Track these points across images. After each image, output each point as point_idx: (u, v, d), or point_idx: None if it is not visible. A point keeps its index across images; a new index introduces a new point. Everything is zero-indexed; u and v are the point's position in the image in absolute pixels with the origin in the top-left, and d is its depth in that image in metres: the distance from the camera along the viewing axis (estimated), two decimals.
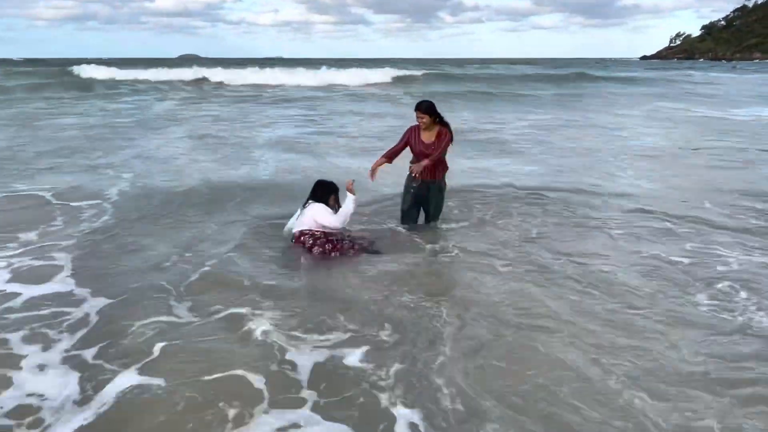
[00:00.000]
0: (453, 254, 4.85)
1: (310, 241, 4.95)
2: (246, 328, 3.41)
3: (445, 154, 5.25)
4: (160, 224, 5.56)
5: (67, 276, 4.17)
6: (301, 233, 5.04)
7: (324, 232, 5.01)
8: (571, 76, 37.71)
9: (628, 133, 12.41)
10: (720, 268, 4.45)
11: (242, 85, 30.27)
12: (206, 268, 4.38)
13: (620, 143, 11.00)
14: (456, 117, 15.30)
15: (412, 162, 5.33)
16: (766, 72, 54.52)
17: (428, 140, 5.17)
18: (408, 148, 5.29)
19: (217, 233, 5.32)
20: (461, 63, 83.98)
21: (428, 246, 5.05)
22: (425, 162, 5.08)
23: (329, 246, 4.93)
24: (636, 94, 25.26)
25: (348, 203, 5.03)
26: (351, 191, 5.01)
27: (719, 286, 4.09)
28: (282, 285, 4.10)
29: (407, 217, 5.54)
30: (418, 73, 37.23)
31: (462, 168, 7.93)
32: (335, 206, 5.15)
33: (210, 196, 6.64)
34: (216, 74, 33.45)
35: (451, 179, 5.66)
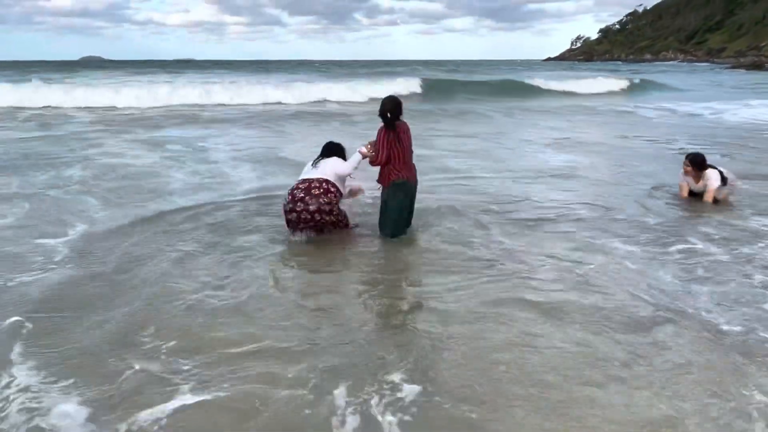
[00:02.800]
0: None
1: (321, 193, 4.93)
2: None
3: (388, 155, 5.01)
4: None
5: None
6: (323, 181, 5.01)
7: (335, 200, 5.03)
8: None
9: None
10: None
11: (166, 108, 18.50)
12: None
13: None
14: None
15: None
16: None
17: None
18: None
19: None
20: (410, 64, 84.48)
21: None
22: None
23: (335, 211, 4.99)
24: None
25: (355, 155, 5.14)
26: (362, 151, 5.09)
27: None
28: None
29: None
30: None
31: None
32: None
33: None
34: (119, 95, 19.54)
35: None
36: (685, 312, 3.62)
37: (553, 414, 2.58)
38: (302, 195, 4.95)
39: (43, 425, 2.47)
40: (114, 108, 18.53)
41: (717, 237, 5.22)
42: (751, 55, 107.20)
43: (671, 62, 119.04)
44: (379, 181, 5.11)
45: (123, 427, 2.48)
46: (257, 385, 2.80)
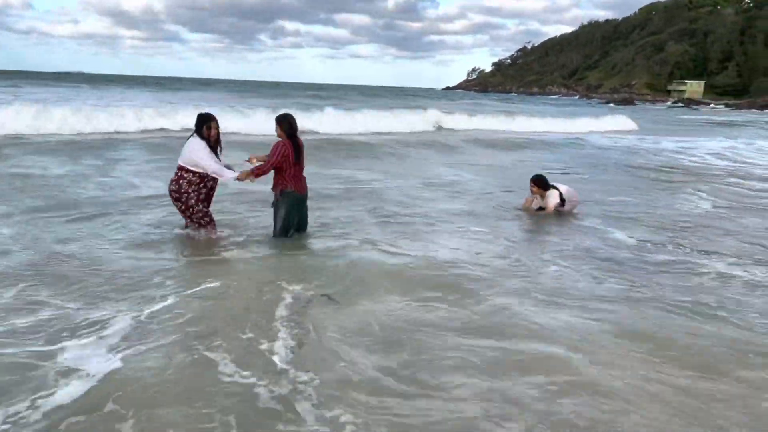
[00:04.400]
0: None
1: (175, 179, 5.32)
2: None
3: (278, 167, 5.44)
4: None
5: None
6: (179, 167, 5.33)
7: (191, 185, 5.29)
8: None
9: None
10: None
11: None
12: None
13: None
14: None
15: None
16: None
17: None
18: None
19: None
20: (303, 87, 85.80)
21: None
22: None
23: (185, 197, 5.30)
24: None
25: (232, 172, 5.29)
26: (240, 178, 5.27)
27: None
28: None
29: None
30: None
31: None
32: (209, 135, 5.31)
33: None
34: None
35: None
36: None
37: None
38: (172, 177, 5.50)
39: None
40: None
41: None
42: (623, 92, 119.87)
43: (556, 96, 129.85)
44: (273, 190, 5.63)
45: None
46: (229, 279, 4.02)
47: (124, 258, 4.98)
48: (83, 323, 3.66)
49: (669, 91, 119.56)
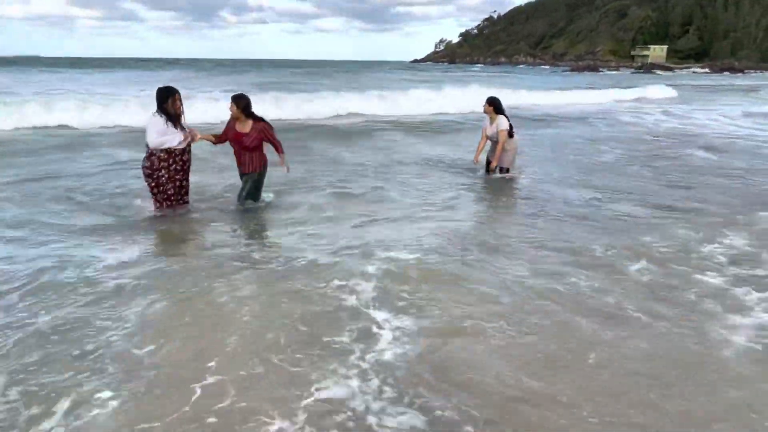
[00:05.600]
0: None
1: (146, 156, 5.43)
2: None
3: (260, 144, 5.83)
4: None
5: None
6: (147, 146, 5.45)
7: (157, 164, 5.44)
8: None
9: None
10: None
11: None
12: None
13: None
14: None
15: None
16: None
17: (241, 130, 5.75)
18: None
19: None
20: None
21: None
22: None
23: (157, 174, 5.45)
24: None
25: (176, 135, 5.40)
26: (205, 138, 5.71)
27: None
28: None
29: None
30: None
31: None
32: (174, 109, 5.39)
33: None
34: None
35: None
36: None
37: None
38: None
39: None
40: None
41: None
42: (588, 59, 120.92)
43: (522, 65, 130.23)
44: (258, 166, 5.89)
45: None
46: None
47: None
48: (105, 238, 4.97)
49: (633, 57, 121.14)
